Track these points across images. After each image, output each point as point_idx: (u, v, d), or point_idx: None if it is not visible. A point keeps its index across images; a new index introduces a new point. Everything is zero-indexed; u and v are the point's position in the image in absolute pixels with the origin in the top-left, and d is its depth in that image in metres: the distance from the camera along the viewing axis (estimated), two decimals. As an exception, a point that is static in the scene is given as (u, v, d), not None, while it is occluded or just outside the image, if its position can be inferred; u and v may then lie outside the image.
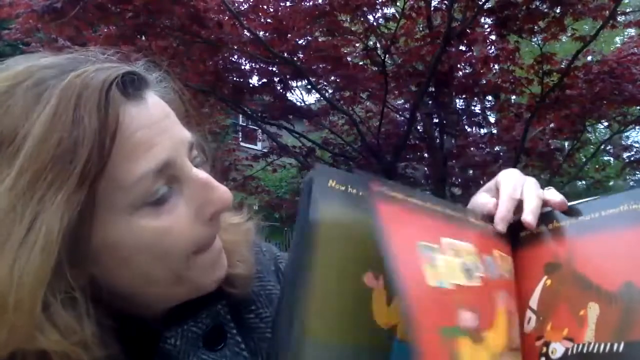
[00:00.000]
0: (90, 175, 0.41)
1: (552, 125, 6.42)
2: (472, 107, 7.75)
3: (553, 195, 0.59)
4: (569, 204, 0.59)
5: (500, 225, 0.58)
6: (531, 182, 0.60)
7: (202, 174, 0.50)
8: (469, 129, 7.45)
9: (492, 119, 7.70)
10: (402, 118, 7.12)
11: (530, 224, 0.57)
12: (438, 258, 0.48)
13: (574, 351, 0.50)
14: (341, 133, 7.22)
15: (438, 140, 6.58)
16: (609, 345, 0.49)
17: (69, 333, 0.41)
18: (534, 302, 0.55)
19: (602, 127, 8.55)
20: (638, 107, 6.38)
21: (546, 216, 0.60)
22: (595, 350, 0.49)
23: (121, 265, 0.46)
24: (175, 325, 0.51)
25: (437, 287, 0.46)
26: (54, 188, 0.41)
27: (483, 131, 7.47)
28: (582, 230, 0.56)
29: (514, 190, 0.59)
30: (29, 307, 0.40)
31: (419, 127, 7.00)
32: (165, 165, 0.46)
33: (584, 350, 0.50)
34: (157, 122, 0.47)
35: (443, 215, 0.53)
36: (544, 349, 0.52)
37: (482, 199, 0.61)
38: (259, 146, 10.41)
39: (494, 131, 7.08)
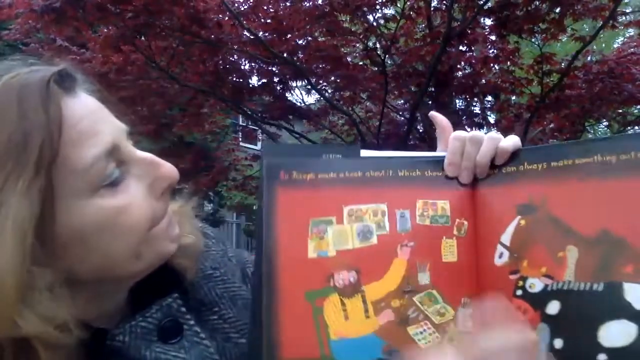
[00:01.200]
0: (45, 163, 0.44)
1: (552, 125, 6.42)
2: (472, 107, 7.75)
3: (506, 141, 0.62)
4: (537, 146, 0.62)
5: (449, 169, 0.62)
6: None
7: (146, 154, 0.54)
8: (468, 129, 7.44)
9: (492, 119, 7.70)
10: (402, 118, 7.13)
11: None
12: (329, 230, 0.59)
13: (554, 287, 0.55)
14: (341, 133, 7.23)
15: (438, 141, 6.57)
16: (589, 284, 0.53)
17: (49, 318, 0.43)
18: (506, 239, 0.60)
19: (602, 127, 8.54)
20: (638, 107, 6.38)
21: (516, 157, 0.62)
22: (576, 288, 0.54)
23: (88, 249, 0.49)
24: (122, 323, 0.53)
25: (315, 258, 0.58)
26: (13, 178, 0.43)
27: (483, 131, 7.47)
28: (555, 175, 0.58)
29: (458, 135, 0.63)
30: (10, 295, 0.41)
31: (419, 128, 7.00)
32: (113, 148, 0.49)
33: (565, 287, 0.54)
34: (94, 112, 0.50)
35: (362, 180, 0.61)
36: (521, 283, 0.57)
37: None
38: (258, 146, 10.41)
39: (494, 131, 7.08)
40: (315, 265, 0.58)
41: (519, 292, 0.57)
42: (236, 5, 5.38)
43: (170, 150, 6.50)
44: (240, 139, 9.66)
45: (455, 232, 0.62)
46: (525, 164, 0.61)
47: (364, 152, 0.65)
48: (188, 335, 0.56)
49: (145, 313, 0.54)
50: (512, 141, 0.62)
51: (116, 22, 4.52)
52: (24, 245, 0.42)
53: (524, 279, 0.57)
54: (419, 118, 6.64)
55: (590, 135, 8.34)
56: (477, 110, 7.77)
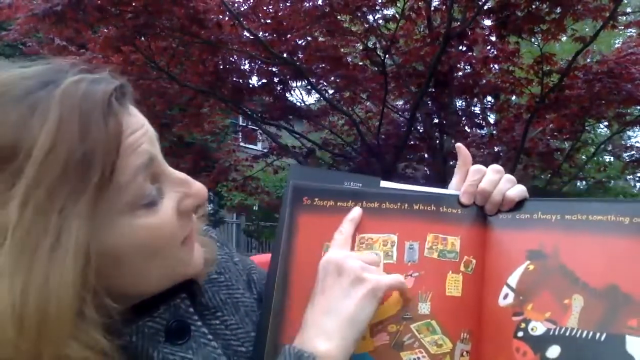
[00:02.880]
0: (105, 184, 0.43)
1: (551, 125, 6.42)
2: (472, 108, 7.75)
3: (514, 190, 0.66)
4: (551, 199, 0.66)
5: (464, 197, 0.66)
6: (496, 168, 0.68)
7: (178, 172, 0.53)
8: (468, 129, 7.44)
9: (491, 120, 7.69)
10: (402, 118, 7.12)
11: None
12: None
13: (557, 332, 0.57)
14: (341, 133, 7.22)
15: (438, 141, 6.57)
16: (592, 333, 0.55)
17: (94, 341, 0.42)
18: (512, 281, 0.62)
19: (602, 127, 8.54)
20: (638, 107, 6.38)
21: (531, 205, 0.65)
22: (578, 335, 0.55)
23: (121, 270, 0.47)
24: (131, 323, 0.52)
25: None
26: (73, 198, 0.41)
27: (483, 131, 7.47)
28: (569, 229, 0.61)
29: (479, 168, 0.68)
30: (68, 318, 0.40)
31: (419, 128, 7.00)
32: (150, 161, 0.48)
33: (567, 334, 0.56)
34: (142, 126, 0.49)
35: (378, 211, 0.65)
36: (523, 325, 0.59)
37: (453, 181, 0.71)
38: (258, 147, 10.41)
39: (494, 131, 7.08)
40: None
41: (520, 334, 0.59)
42: (236, 5, 5.38)
43: (170, 150, 6.50)
44: (240, 140, 9.65)
45: (462, 268, 0.64)
46: (540, 213, 0.64)
47: (384, 184, 0.68)
48: (196, 337, 0.56)
49: (154, 313, 0.54)
50: (518, 190, 0.66)
51: (116, 23, 4.52)
52: (85, 272, 0.41)
53: (527, 321, 0.59)
54: (419, 118, 6.64)
55: (590, 135, 8.33)
56: (477, 110, 7.77)
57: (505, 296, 0.62)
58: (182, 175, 0.53)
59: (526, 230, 0.64)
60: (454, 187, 0.69)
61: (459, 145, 0.73)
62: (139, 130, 0.48)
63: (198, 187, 0.54)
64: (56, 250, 0.40)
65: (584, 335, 0.55)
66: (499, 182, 0.66)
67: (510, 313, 0.60)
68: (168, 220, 0.50)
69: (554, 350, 0.56)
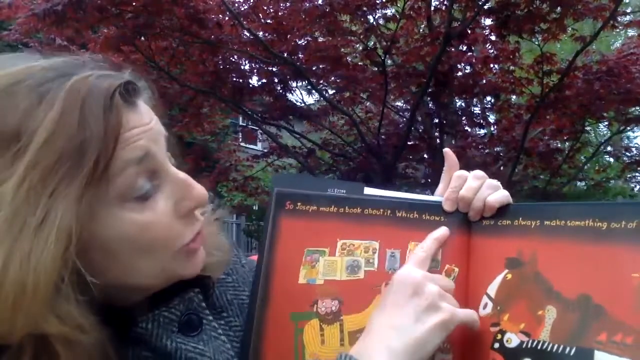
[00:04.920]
0: (97, 174, 0.45)
1: (552, 126, 6.41)
2: (472, 108, 7.75)
3: (494, 196, 0.65)
4: (532, 204, 0.65)
5: (446, 204, 0.66)
6: (478, 174, 0.67)
7: (180, 173, 0.54)
8: (468, 130, 7.44)
9: (492, 120, 7.69)
10: (402, 118, 7.12)
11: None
12: (321, 260, 0.64)
13: (529, 345, 0.57)
14: (341, 133, 7.22)
15: (438, 141, 6.58)
16: (561, 347, 0.54)
17: (71, 317, 0.44)
18: (492, 290, 0.62)
19: (602, 127, 8.53)
20: (638, 107, 6.38)
21: (513, 210, 0.64)
22: (548, 349, 0.55)
23: (108, 257, 0.49)
24: (148, 312, 0.55)
25: (304, 284, 0.63)
26: (65, 183, 0.44)
27: (483, 131, 7.47)
28: (547, 235, 0.59)
29: (460, 174, 0.67)
30: (45, 293, 0.42)
31: (419, 128, 7.00)
32: (146, 156, 0.49)
33: (538, 347, 0.56)
34: (146, 124, 0.51)
35: (360, 217, 0.65)
36: (499, 336, 0.59)
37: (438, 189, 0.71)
38: (259, 147, 10.41)
39: (494, 131, 7.08)
40: (303, 290, 0.63)
41: (496, 345, 0.59)
42: (236, 5, 5.38)
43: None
44: (240, 140, 9.65)
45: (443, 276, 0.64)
46: (520, 219, 0.62)
47: (367, 190, 0.68)
48: (207, 330, 0.58)
49: (169, 304, 0.56)
50: (499, 196, 0.65)
51: (116, 23, 4.52)
52: (67, 253, 0.43)
53: (503, 332, 0.59)
54: (419, 118, 6.64)
55: (590, 136, 8.33)
56: (477, 110, 7.77)
57: (485, 306, 0.61)
58: (184, 176, 0.54)
59: (506, 237, 0.63)
60: (440, 192, 0.69)
61: (446, 150, 0.72)
62: (140, 126, 0.49)
63: (198, 190, 0.54)
64: (41, 229, 0.43)
65: (554, 349, 0.55)
66: (479, 188, 0.65)
67: (488, 323, 0.60)
68: (161, 219, 0.50)
69: None
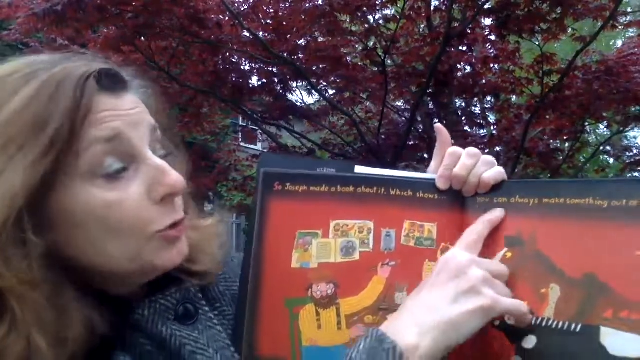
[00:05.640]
0: (57, 147, 0.48)
1: (552, 126, 6.41)
2: (472, 107, 7.74)
3: (489, 173, 0.64)
4: (530, 180, 0.62)
5: (440, 182, 0.65)
6: (473, 151, 0.66)
7: (159, 160, 0.55)
8: (468, 130, 7.44)
9: (492, 120, 7.69)
10: (402, 118, 7.12)
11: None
12: (314, 243, 0.62)
13: (533, 323, 0.56)
14: (341, 133, 7.22)
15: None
16: (567, 324, 0.54)
17: (16, 271, 0.46)
18: None
19: (602, 127, 8.53)
20: (638, 108, 6.37)
21: (509, 187, 0.63)
22: (553, 326, 0.55)
23: (77, 234, 0.51)
24: (145, 299, 0.57)
25: (298, 268, 0.61)
26: (23, 152, 0.47)
27: (483, 131, 7.46)
28: (546, 212, 0.58)
29: (454, 151, 0.66)
30: None
31: (419, 128, 6.99)
32: (116, 137, 0.51)
33: (543, 324, 0.55)
34: (124, 110, 0.53)
35: (353, 196, 0.63)
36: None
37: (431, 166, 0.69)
38: (259, 147, 10.40)
39: (494, 131, 7.07)
40: (297, 275, 0.61)
41: (497, 322, 0.58)
42: (236, 5, 5.37)
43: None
44: (240, 140, 9.65)
45: (439, 255, 0.62)
46: (517, 197, 0.61)
47: (358, 169, 0.66)
48: (202, 320, 0.59)
49: (166, 292, 0.58)
50: (494, 173, 0.64)
51: (116, 23, 4.52)
52: (10, 209, 0.46)
53: None
54: (419, 118, 6.64)
55: (590, 136, 8.33)
56: (477, 110, 7.77)
57: None
58: (161, 162, 0.55)
59: (504, 215, 0.62)
60: (433, 170, 0.68)
61: (437, 125, 0.71)
62: (114, 110, 0.52)
63: (173, 177, 0.54)
64: None
65: (560, 326, 0.54)
66: (473, 166, 0.64)
67: None
68: (130, 200, 0.52)
69: (530, 341, 0.56)
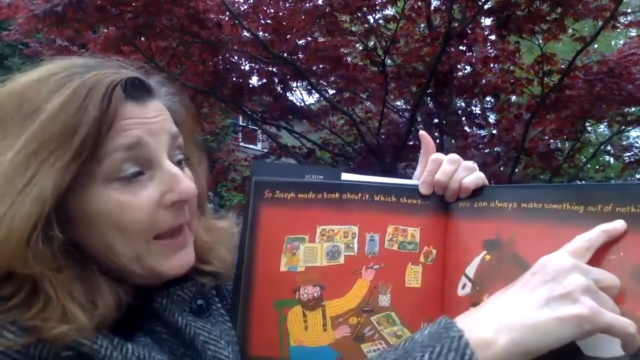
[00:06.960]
0: (85, 152, 0.51)
1: (552, 126, 6.41)
2: (472, 108, 7.74)
3: (469, 178, 0.66)
4: (509, 185, 0.66)
5: (422, 187, 0.67)
6: (454, 157, 0.68)
7: (174, 168, 0.57)
8: (468, 130, 7.44)
9: (492, 120, 7.69)
10: (402, 118, 7.12)
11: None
12: (301, 247, 0.65)
13: None
14: (341, 133, 7.22)
15: (438, 141, 6.57)
16: None
17: (45, 259, 0.51)
18: (470, 271, 0.63)
19: (602, 127, 8.53)
20: (638, 108, 6.37)
21: (489, 192, 0.65)
22: None
23: (93, 231, 0.55)
24: (164, 289, 0.60)
25: (286, 271, 0.64)
26: (54, 156, 0.50)
27: (483, 132, 7.46)
28: (524, 217, 0.60)
29: (436, 157, 0.68)
30: (16, 241, 0.49)
31: (419, 128, 6.99)
32: (136, 144, 0.54)
33: None
34: (147, 118, 0.56)
35: (339, 202, 0.66)
36: None
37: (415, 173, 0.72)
38: (258, 147, 10.40)
39: (494, 132, 7.07)
40: (285, 278, 0.65)
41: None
42: (236, 5, 5.37)
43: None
44: (240, 140, 9.65)
45: (422, 259, 0.65)
46: (497, 201, 0.63)
47: (345, 175, 0.69)
48: (215, 315, 0.62)
49: (183, 284, 0.61)
50: (473, 177, 0.66)
51: (116, 23, 4.52)
52: (41, 211, 0.50)
53: None
54: (419, 118, 6.64)
55: (590, 136, 8.32)
56: (477, 110, 7.76)
57: (464, 286, 0.63)
58: (175, 170, 0.57)
59: (484, 219, 0.64)
60: (417, 176, 0.70)
61: (422, 133, 0.73)
62: (138, 118, 0.55)
63: (185, 185, 0.57)
64: (25, 189, 0.50)
65: None
66: (454, 172, 0.67)
67: (468, 303, 0.61)
68: (143, 204, 0.55)
69: None
